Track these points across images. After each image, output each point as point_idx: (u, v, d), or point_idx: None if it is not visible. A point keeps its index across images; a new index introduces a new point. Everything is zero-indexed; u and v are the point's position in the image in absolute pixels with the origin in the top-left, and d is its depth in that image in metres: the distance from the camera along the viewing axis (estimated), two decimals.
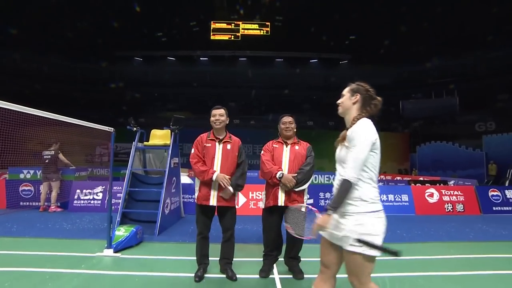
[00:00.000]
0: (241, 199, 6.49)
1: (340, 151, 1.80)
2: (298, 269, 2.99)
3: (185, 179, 6.70)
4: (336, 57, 27.90)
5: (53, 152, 6.74)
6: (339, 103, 1.93)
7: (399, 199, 6.92)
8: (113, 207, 5.53)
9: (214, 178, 2.82)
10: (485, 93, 22.72)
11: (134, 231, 3.97)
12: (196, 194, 2.97)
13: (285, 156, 3.02)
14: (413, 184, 8.35)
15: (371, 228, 1.61)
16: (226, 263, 2.97)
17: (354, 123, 1.75)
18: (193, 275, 2.91)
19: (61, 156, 6.82)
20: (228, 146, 2.98)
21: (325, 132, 25.04)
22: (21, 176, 7.45)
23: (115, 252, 3.63)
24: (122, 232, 3.89)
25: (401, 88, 26.30)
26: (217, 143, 2.98)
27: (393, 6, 22.22)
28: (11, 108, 2.35)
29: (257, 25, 29.17)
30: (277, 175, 2.88)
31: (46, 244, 3.99)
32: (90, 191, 6.77)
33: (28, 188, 6.96)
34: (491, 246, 4.27)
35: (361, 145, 1.64)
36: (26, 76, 22.90)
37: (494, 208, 6.98)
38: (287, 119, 3.11)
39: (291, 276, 2.99)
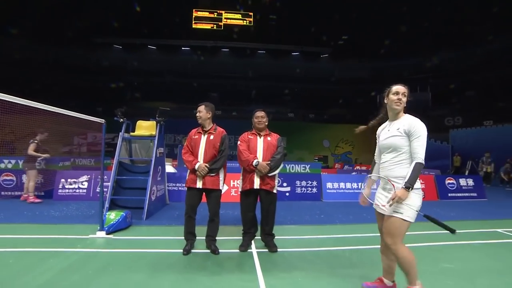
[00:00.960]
0: (224, 187, 6.89)
1: (391, 139, 2.24)
2: (272, 244, 3.48)
3: (169, 168, 6.99)
4: (317, 50, 28.45)
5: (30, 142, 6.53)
6: (402, 101, 2.28)
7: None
8: (98, 195, 5.80)
9: (196, 167, 3.27)
10: (455, 89, 24.20)
11: (124, 215, 4.29)
12: (186, 179, 3.42)
13: (259, 146, 3.46)
14: None
15: (412, 201, 2.10)
16: (210, 240, 3.40)
17: (402, 117, 2.28)
18: (181, 251, 3.31)
19: (31, 146, 6.34)
20: (211, 137, 3.40)
21: (305, 124, 25.83)
22: (2, 165, 7.42)
23: (107, 234, 3.95)
24: (113, 216, 4.20)
25: (378, 82, 27.31)
26: (202, 135, 3.40)
27: (372, 4, 22.92)
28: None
29: (240, 15, 29.07)
30: (254, 163, 3.33)
31: (38, 229, 4.23)
32: (75, 180, 6.92)
33: (10, 178, 6.98)
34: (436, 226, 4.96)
35: (424, 135, 2.15)
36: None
37: (449, 195, 7.85)
38: (260, 113, 3.55)
39: (266, 250, 3.46)
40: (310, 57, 28.77)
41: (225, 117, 25.17)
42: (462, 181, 8.12)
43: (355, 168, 16.64)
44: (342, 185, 7.55)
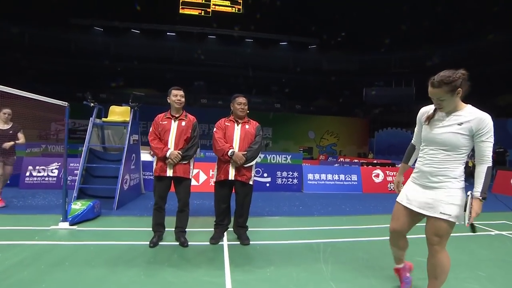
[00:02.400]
0: (201, 177, 6.72)
1: (450, 137, 1.88)
2: (245, 236, 3.34)
3: (146, 156, 6.72)
4: (305, 41, 28.20)
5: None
6: (440, 107, 1.92)
7: (349, 179, 7.60)
8: (70, 183, 5.49)
9: (167, 155, 3.04)
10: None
11: (91, 205, 4.04)
12: (154, 168, 3.17)
13: (236, 135, 3.26)
14: (363, 166, 9.14)
15: (460, 199, 1.89)
16: (180, 231, 3.24)
17: (463, 108, 1.90)
18: (148, 243, 3.13)
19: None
20: (183, 123, 3.19)
21: (291, 115, 25.78)
22: None
23: (71, 225, 3.71)
24: (79, 206, 3.95)
25: (365, 75, 27.55)
26: (172, 121, 3.17)
27: None
28: None
29: (229, 2, 28.32)
30: (229, 153, 3.13)
31: None
32: (44, 167, 6.56)
33: None
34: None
35: (492, 132, 1.83)
36: None
37: None
38: (242, 100, 3.33)
39: (238, 242, 3.33)
40: (298, 47, 28.50)
41: (211, 106, 24.76)
42: None
43: (339, 160, 16.79)
44: (323, 176, 7.52)
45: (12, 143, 4.67)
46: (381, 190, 7.55)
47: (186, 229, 3.31)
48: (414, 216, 2.12)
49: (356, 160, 15.25)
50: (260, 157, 10.77)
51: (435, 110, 2.01)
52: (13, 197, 5.34)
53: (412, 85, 24.37)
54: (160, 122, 3.20)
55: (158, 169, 3.14)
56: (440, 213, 1.92)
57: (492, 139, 1.85)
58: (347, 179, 7.58)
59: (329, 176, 7.52)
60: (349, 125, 25.61)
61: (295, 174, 7.39)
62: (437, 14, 22.95)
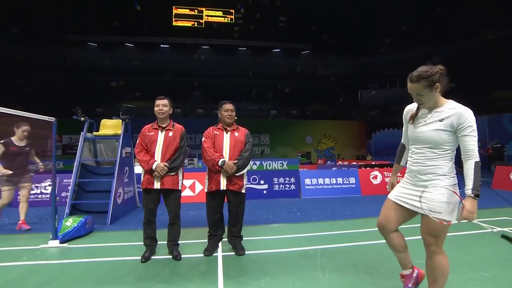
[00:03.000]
0: (197, 187, 6.63)
1: (433, 134, 1.85)
2: (240, 246, 3.25)
3: (139, 169, 6.62)
4: (298, 47, 28.46)
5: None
6: (420, 103, 1.89)
7: (347, 182, 7.53)
8: (63, 200, 5.39)
9: (154, 167, 2.97)
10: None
11: (82, 221, 3.95)
12: (141, 180, 3.10)
13: (225, 143, 3.19)
14: (361, 168, 9.07)
15: (449, 196, 1.81)
16: (172, 245, 3.14)
17: (444, 104, 1.86)
18: (140, 258, 3.03)
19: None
20: (170, 134, 3.12)
21: (288, 121, 25.78)
22: None
23: (61, 242, 3.61)
24: (70, 223, 3.86)
25: (359, 78, 27.74)
26: (159, 131, 3.11)
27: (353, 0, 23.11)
28: None
29: (221, 12, 28.67)
30: (219, 163, 3.06)
31: None
32: (37, 185, 6.45)
33: None
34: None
35: (476, 129, 1.78)
36: None
37: None
38: (229, 106, 3.26)
39: (233, 253, 3.24)
40: (291, 53, 28.74)
41: (207, 115, 24.75)
42: None
43: (337, 164, 16.71)
44: (321, 181, 7.44)
45: (42, 167, 4.68)
46: (380, 191, 7.45)
47: (179, 242, 3.22)
48: (402, 212, 2.07)
49: (354, 163, 15.18)
50: (250, 165, 10.76)
51: (418, 108, 1.98)
52: (5, 216, 5.22)
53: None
54: (147, 133, 3.13)
55: (145, 181, 3.06)
56: (430, 211, 1.85)
57: (475, 133, 1.79)
58: (345, 182, 7.50)
59: (327, 180, 7.45)
60: (346, 128, 25.59)
61: (292, 179, 7.31)
62: (429, 14, 23.26)
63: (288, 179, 7.30)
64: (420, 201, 1.91)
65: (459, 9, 21.82)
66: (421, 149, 1.94)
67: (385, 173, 7.76)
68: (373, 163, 13.57)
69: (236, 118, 3.32)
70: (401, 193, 2.06)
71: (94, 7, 23.18)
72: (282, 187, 7.24)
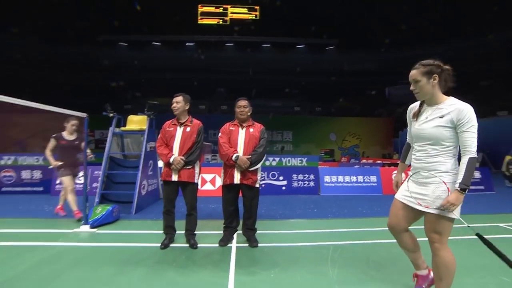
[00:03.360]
0: (218, 181, 6.84)
1: (433, 130, 1.87)
2: (253, 239, 3.36)
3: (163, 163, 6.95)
4: (323, 42, 27.90)
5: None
6: (415, 92, 1.94)
7: (368, 180, 7.38)
8: (93, 190, 5.82)
9: (171, 160, 3.15)
10: (469, 79, 23.27)
11: (110, 209, 4.27)
12: (161, 172, 3.31)
13: (240, 139, 3.31)
14: (384, 166, 8.83)
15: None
16: (189, 234, 3.33)
17: (444, 100, 1.90)
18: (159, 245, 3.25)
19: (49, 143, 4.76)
20: (188, 129, 3.29)
21: (312, 118, 25.47)
22: (2, 162, 7.59)
23: (91, 228, 3.94)
24: (99, 211, 4.19)
25: (387, 74, 26.67)
26: (178, 127, 3.29)
27: None
28: None
29: (246, 9, 28.77)
30: (233, 157, 3.19)
31: (27, 223, 4.26)
32: None
33: (10, 174, 7.11)
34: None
35: (476, 124, 1.80)
36: (2, 59, 22.21)
37: None
38: (242, 102, 3.37)
39: (247, 245, 3.36)
40: (316, 49, 28.25)
41: (231, 112, 25.04)
42: None
43: (361, 162, 16.29)
44: (341, 178, 7.36)
45: (91, 156, 4.59)
46: None
47: (196, 232, 3.39)
48: (410, 212, 2.07)
49: (378, 161, 14.73)
50: (269, 161, 10.79)
51: (420, 106, 2.00)
52: (45, 203, 5.76)
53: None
54: (167, 129, 3.33)
55: (164, 174, 3.27)
56: (435, 208, 1.87)
57: (474, 129, 1.80)
58: (366, 180, 7.36)
59: (347, 178, 7.35)
60: (372, 126, 24.80)
61: (312, 176, 7.30)
62: (460, 7, 21.78)
63: (307, 175, 7.31)
64: (425, 200, 1.92)
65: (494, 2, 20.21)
66: (423, 146, 1.96)
67: (409, 172, 7.49)
68: (398, 162, 13.09)
69: (249, 114, 3.41)
70: (408, 192, 2.05)
71: (124, 9, 24.23)
72: (301, 183, 7.26)
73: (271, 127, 23.94)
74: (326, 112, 26.27)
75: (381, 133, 24.82)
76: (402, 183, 2.20)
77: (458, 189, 1.77)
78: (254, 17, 28.60)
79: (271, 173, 7.16)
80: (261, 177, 3.45)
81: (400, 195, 2.13)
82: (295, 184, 7.20)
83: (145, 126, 5.60)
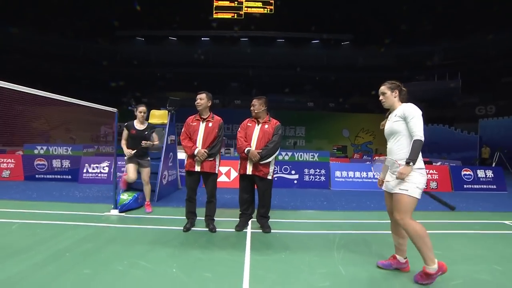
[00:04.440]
0: (233, 174, 7.20)
1: (391, 125, 2.50)
2: (266, 225, 3.70)
3: (182, 155, 7.36)
4: (338, 37, 27.61)
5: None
6: (383, 101, 2.62)
7: (378, 176, 7.53)
8: (118, 179, 6.28)
9: (195, 153, 3.50)
10: (489, 75, 22.57)
11: (135, 196, 4.71)
12: (185, 163, 3.68)
13: (255, 134, 3.64)
14: None
15: (415, 179, 2.34)
16: (209, 219, 3.70)
17: (398, 106, 2.55)
18: (182, 228, 3.63)
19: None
20: (210, 124, 3.63)
21: (325, 113, 25.46)
22: (35, 151, 8.20)
23: (120, 212, 4.39)
24: (126, 197, 4.63)
25: (403, 70, 26.19)
26: (201, 122, 3.63)
27: None
28: (22, 90, 2.78)
29: (260, 3, 28.77)
30: (245, 151, 3.54)
31: (63, 207, 4.76)
32: (97, 165, 7.52)
33: (42, 162, 7.72)
34: (436, 215, 4.93)
35: (418, 115, 2.37)
36: (27, 54, 23.28)
37: (465, 186, 7.60)
38: (254, 101, 3.72)
39: (261, 231, 3.69)
40: (330, 44, 28.01)
41: (244, 107, 25.42)
42: (480, 173, 7.81)
43: (374, 159, 16.25)
44: (351, 174, 7.57)
45: (149, 143, 4.52)
46: None
47: (214, 218, 3.75)
48: (390, 197, 2.56)
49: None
50: (282, 155, 11.05)
51: (387, 116, 2.65)
52: (75, 189, 6.29)
53: (458, 77, 22.64)
54: (190, 124, 3.68)
55: (188, 164, 3.63)
56: (400, 189, 2.39)
57: (415, 120, 2.37)
58: (376, 176, 7.50)
59: (357, 174, 7.55)
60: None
61: (322, 171, 7.55)
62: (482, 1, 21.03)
63: (318, 170, 7.56)
64: (394, 185, 2.43)
65: None
66: (390, 141, 2.55)
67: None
68: None
69: (260, 111, 3.67)
70: (387, 182, 2.58)
71: (141, 3, 24.77)
72: (312, 178, 7.52)
73: (283, 123, 23.99)
74: (340, 108, 26.17)
75: None
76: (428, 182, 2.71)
77: (405, 162, 2.33)
78: (268, 11, 28.56)
79: (283, 167, 7.46)
80: (274, 170, 3.73)
81: (384, 186, 2.67)
82: (306, 178, 7.47)
83: (166, 120, 5.99)
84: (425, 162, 2.54)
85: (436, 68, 24.65)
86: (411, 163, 2.30)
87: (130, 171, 4.51)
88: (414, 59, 26.53)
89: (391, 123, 2.52)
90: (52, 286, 2.22)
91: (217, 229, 3.64)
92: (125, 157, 4.51)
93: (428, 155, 18.55)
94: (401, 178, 2.34)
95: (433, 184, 7.50)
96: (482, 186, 7.70)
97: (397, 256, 2.64)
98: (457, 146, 17.92)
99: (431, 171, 7.64)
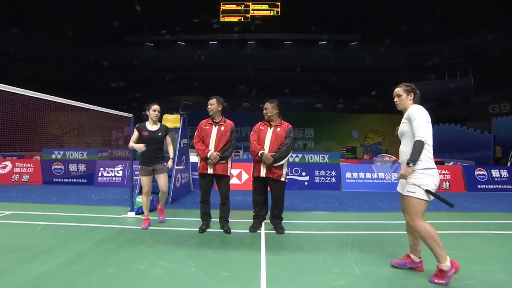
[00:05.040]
0: (244, 176, 7.29)
1: (401, 127, 2.59)
2: (280, 226, 3.76)
3: (194, 158, 7.50)
4: (345, 38, 27.52)
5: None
6: (397, 103, 2.66)
7: (389, 177, 7.52)
8: (133, 182, 6.44)
9: (208, 155, 3.61)
10: (503, 73, 22.08)
11: (151, 198, 4.79)
12: (198, 166, 3.78)
13: (268, 137, 3.71)
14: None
15: (421, 181, 2.37)
16: (223, 220, 3.79)
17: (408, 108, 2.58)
18: (198, 229, 3.73)
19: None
20: (222, 128, 3.72)
21: (334, 114, 25.35)
22: (53, 156, 8.48)
23: (136, 214, 4.53)
24: (141, 200, 4.75)
25: (413, 69, 25.90)
26: (213, 126, 3.73)
27: None
28: (36, 96, 2.90)
29: (267, 5, 28.95)
30: (259, 154, 3.63)
31: (82, 209, 4.93)
32: (112, 169, 7.73)
33: (59, 166, 7.98)
34: (450, 215, 4.89)
35: (420, 116, 2.40)
36: (38, 62, 24.01)
37: (479, 186, 7.49)
38: (265, 105, 3.78)
39: (274, 232, 3.76)
40: (338, 45, 27.94)
41: (253, 109, 25.54)
42: (495, 172, 7.69)
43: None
44: (362, 175, 7.56)
45: (170, 165, 4.15)
46: None
47: (228, 219, 3.84)
48: (403, 198, 2.61)
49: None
50: (293, 157, 11.06)
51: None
52: (91, 192, 6.49)
53: (470, 76, 22.24)
54: (203, 127, 3.77)
55: (201, 167, 3.73)
56: (407, 191, 2.44)
57: (417, 121, 2.40)
58: (386, 177, 7.51)
59: (368, 175, 7.54)
60: (396, 123, 23.34)
61: (333, 173, 7.56)
62: None
63: (329, 172, 7.58)
64: (404, 186, 2.49)
65: None
66: (402, 142, 2.60)
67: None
68: None
69: (274, 113, 3.74)
70: (400, 183, 2.65)
71: (149, 9, 25.25)
72: (323, 179, 7.55)
73: (292, 124, 24.03)
74: (349, 109, 26.01)
75: None
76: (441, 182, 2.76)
77: (406, 163, 2.37)
78: (275, 14, 28.71)
79: (294, 169, 7.51)
80: (286, 172, 3.80)
81: (398, 186, 2.72)
82: (317, 179, 7.50)
83: (178, 124, 6.14)
84: (437, 163, 2.57)
85: (446, 66, 24.28)
86: (410, 164, 2.34)
87: (146, 184, 4.00)
88: (423, 58, 26.20)
89: (401, 125, 2.60)
90: (79, 284, 2.34)
91: (231, 230, 3.72)
92: (139, 167, 4.05)
93: (440, 155, 18.28)
94: (402, 178, 2.42)
95: (446, 185, 7.42)
96: (497, 186, 7.58)
97: (412, 256, 2.67)
98: (470, 146, 17.57)
99: (443, 171, 7.56)
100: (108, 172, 7.70)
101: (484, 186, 7.52)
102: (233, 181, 7.16)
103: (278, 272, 2.59)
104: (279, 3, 28.14)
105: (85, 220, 4.22)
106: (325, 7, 25.03)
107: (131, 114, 4.56)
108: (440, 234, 3.42)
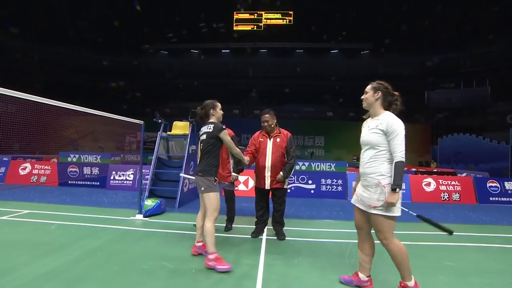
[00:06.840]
0: (251, 183, 7.40)
1: (370, 136, 2.28)
2: (281, 232, 3.84)
3: None
4: (357, 47, 27.52)
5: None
6: (363, 99, 2.41)
7: None
8: (143, 186, 6.68)
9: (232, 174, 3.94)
10: None
11: (159, 202, 5.02)
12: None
13: (268, 149, 3.79)
14: (417, 174, 8.77)
15: (387, 194, 2.13)
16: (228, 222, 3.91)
17: (381, 114, 2.31)
18: None
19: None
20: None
21: (345, 123, 25.18)
22: (69, 159, 8.87)
23: (144, 217, 4.71)
24: (150, 203, 4.95)
25: (426, 78, 25.56)
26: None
27: None
28: (56, 104, 3.15)
29: (279, 14, 29.36)
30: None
31: (93, 211, 5.16)
32: (123, 173, 8.01)
33: (75, 169, 8.33)
34: (455, 227, 4.82)
35: (402, 132, 2.17)
36: (60, 69, 25.10)
37: (491, 199, 7.31)
38: (264, 117, 3.81)
39: (275, 238, 3.84)
40: (350, 54, 27.95)
41: None
42: (508, 185, 7.49)
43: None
44: None
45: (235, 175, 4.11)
46: (432, 199, 7.22)
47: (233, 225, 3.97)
48: (361, 213, 2.39)
49: (413, 169, 14.32)
50: (299, 165, 11.10)
51: (365, 118, 2.48)
52: (103, 195, 6.75)
53: (486, 85, 21.74)
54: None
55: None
56: (374, 208, 2.20)
57: (398, 138, 2.16)
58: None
59: None
60: (408, 132, 22.55)
61: (340, 181, 7.57)
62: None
63: (335, 180, 7.59)
64: (366, 202, 2.25)
65: None
66: (365, 151, 2.33)
67: (440, 180, 7.45)
68: (435, 170, 12.69)
69: (273, 124, 3.82)
70: (357, 196, 2.40)
71: (165, 18, 26.10)
72: (329, 188, 7.56)
73: (302, 132, 24.16)
74: (360, 117, 25.71)
75: (418, 140, 23.75)
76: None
77: (391, 189, 2.12)
78: (287, 22, 29.05)
79: (300, 176, 7.56)
80: (291, 180, 3.90)
81: (353, 199, 2.49)
82: (323, 188, 7.52)
83: (188, 131, 6.34)
84: (448, 174, 2.48)
85: (461, 75, 23.84)
86: (397, 189, 2.10)
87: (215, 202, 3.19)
88: (438, 66, 25.83)
89: (369, 133, 2.29)
90: (88, 278, 2.50)
91: (234, 235, 3.83)
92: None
93: (454, 165, 17.82)
94: (391, 206, 2.14)
95: (456, 196, 7.28)
96: (511, 199, 7.37)
97: (360, 274, 2.51)
98: (485, 157, 17.06)
99: (453, 182, 7.44)
100: (120, 176, 7.98)
101: (496, 199, 7.33)
102: (240, 187, 7.28)
103: (275, 277, 2.67)
104: (291, 12, 28.50)
105: (96, 221, 4.43)
106: (336, 16, 25.17)
107: (142, 121, 4.78)
108: (443, 246, 3.43)
